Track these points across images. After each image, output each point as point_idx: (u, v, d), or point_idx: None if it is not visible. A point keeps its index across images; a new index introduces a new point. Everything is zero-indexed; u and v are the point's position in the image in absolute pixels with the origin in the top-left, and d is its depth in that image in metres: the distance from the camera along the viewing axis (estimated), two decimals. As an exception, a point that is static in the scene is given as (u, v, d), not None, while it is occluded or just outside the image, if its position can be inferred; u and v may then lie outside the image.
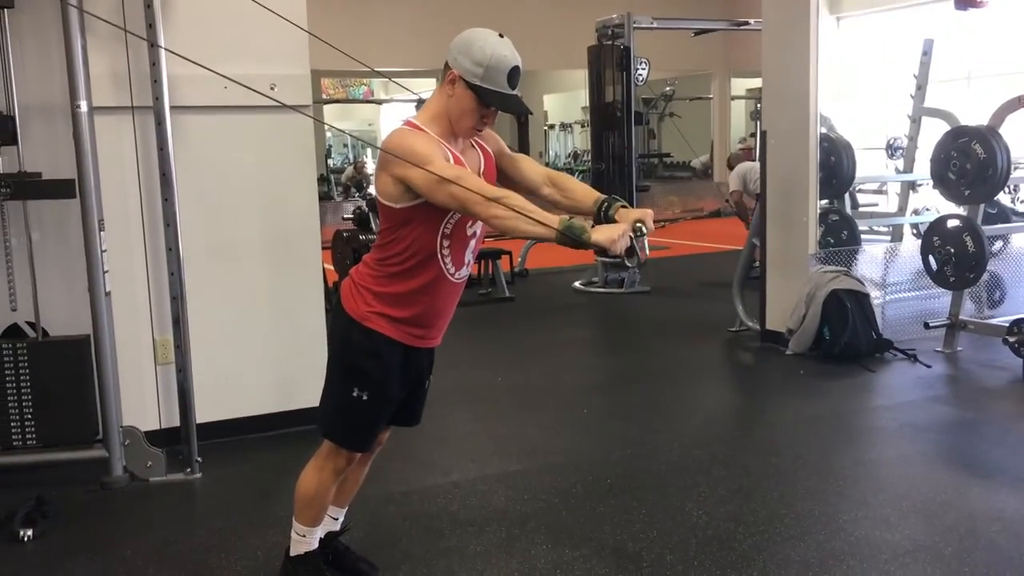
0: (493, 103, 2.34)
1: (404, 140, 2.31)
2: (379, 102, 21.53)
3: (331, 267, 8.04)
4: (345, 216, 8.91)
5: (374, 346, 2.44)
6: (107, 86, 3.80)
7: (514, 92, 2.36)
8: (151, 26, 3.74)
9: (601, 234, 2.17)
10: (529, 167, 2.62)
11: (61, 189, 3.64)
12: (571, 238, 2.16)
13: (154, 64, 3.76)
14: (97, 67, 3.68)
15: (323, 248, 4.69)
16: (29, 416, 3.67)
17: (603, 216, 2.48)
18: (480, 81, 2.31)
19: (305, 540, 2.65)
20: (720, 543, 3.08)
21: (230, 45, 4.04)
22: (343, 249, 8.04)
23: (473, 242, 2.49)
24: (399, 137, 2.33)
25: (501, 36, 2.35)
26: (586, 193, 2.58)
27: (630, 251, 2.24)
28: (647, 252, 2.41)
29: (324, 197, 15.60)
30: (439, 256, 2.41)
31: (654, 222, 2.45)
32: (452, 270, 2.45)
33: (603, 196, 2.56)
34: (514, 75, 2.34)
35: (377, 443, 2.72)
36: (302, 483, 2.61)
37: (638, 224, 2.38)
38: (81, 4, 3.56)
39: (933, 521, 3.23)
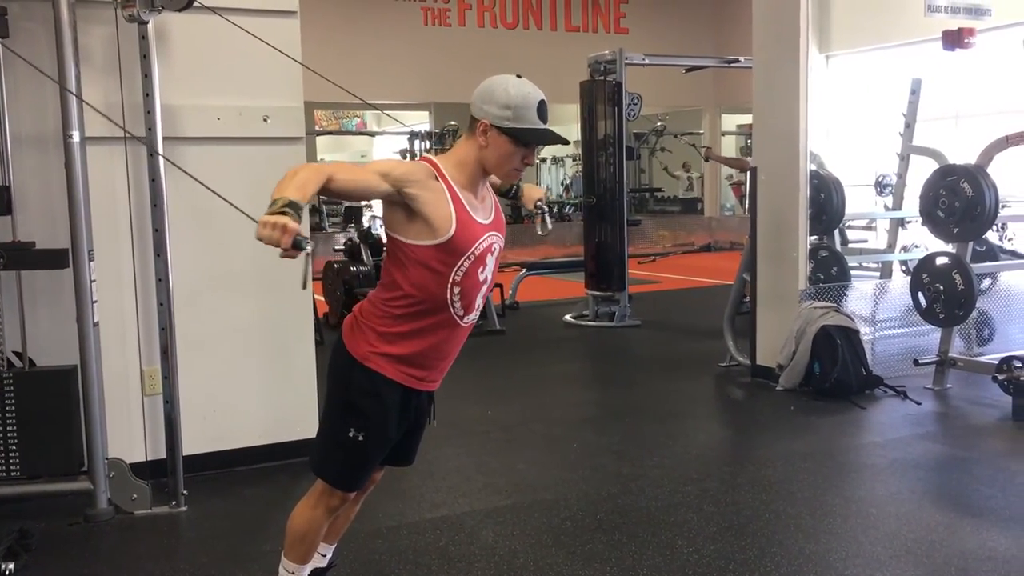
0: (531, 140, 2.36)
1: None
2: (372, 134, 21.61)
3: (322, 298, 8.03)
4: (336, 248, 8.92)
5: (374, 387, 2.41)
6: (100, 117, 3.79)
7: (545, 125, 2.38)
8: (147, 76, 3.77)
9: (264, 216, 1.96)
10: None
11: (54, 259, 3.65)
12: (269, 206, 1.99)
13: (147, 95, 3.77)
14: (90, 97, 3.69)
15: (314, 279, 4.68)
16: (13, 447, 3.63)
17: (511, 196, 2.87)
18: (512, 123, 2.32)
19: (292, 577, 2.61)
20: (710, 581, 3.06)
21: (224, 77, 4.07)
22: (334, 281, 8.03)
23: (485, 287, 2.47)
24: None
25: (519, 76, 2.37)
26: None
27: (294, 258, 2.01)
28: (549, 226, 2.93)
29: (316, 228, 15.61)
30: (449, 302, 2.38)
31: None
32: (462, 314, 2.42)
33: None
34: (542, 109, 2.36)
35: (371, 482, 2.70)
36: (293, 521, 2.57)
37: (538, 203, 2.89)
38: (80, 93, 3.58)
39: (924, 560, 3.21)
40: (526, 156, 2.39)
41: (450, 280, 2.35)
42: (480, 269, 2.41)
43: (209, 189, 2.75)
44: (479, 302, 2.48)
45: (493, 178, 2.70)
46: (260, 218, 1.96)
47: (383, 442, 2.49)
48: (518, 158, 2.38)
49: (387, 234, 2.39)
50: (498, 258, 2.49)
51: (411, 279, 2.35)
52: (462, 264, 2.35)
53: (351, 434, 2.42)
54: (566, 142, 2.63)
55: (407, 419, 2.52)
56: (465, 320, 2.44)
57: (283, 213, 1.96)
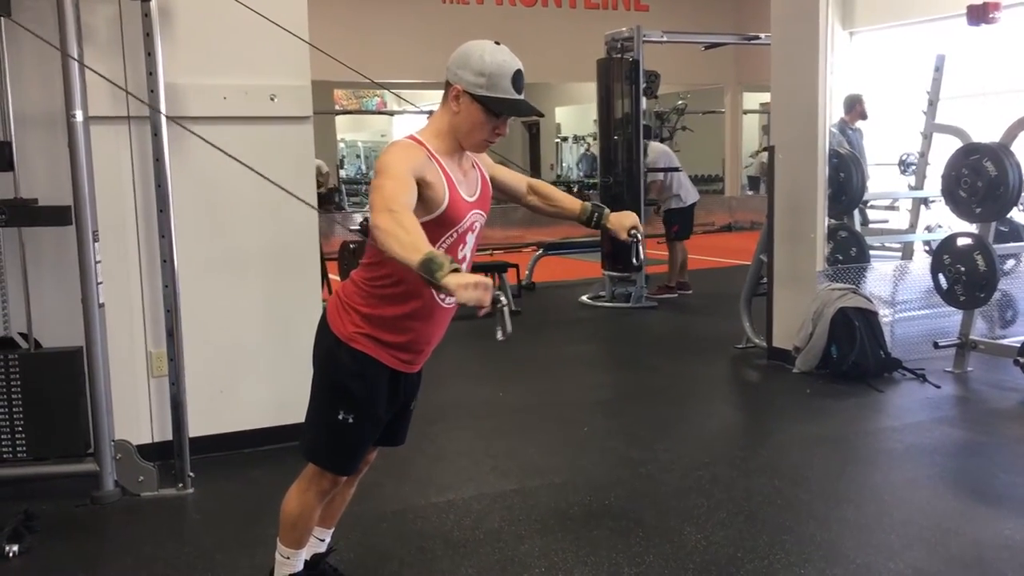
0: (503, 110, 2.27)
1: (389, 150, 2.25)
2: (391, 113, 21.55)
3: (336, 277, 8.01)
4: (352, 227, 8.89)
5: (360, 368, 2.37)
6: (104, 96, 3.76)
7: (521, 96, 2.30)
8: (150, 54, 3.72)
9: (453, 279, 1.87)
10: (512, 175, 2.64)
11: (57, 216, 3.60)
12: (425, 273, 1.90)
13: (151, 74, 3.73)
14: (94, 76, 3.65)
15: (330, 259, 4.63)
16: (20, 428, 3.63)
17: (594, 224, 2.62)
18: (485, 91, 2.24)
19: (289, 562, 2.58)
20: (718, 569, 3.00)
21: (230, 56, 4.02)
22: (349, 260, 8.00)
23: (464, 266, 2.42)
24: (389, 147, 2.28)
25: (498, 43, 2.29)
26: (571, 201, 2.62)
27: (493, 315, 1.94)
28: (643, 256, 2.50)
29: (335, 207, 15.60)
30: None
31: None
32: (442, 295, 2.38)
33: (591, 204, 2.62)
34: (518, 79, 2.28)
35: (364, 463, 2.66)
36: (286, 505, 2.54)
37: (633, 231, 2.58)
38: (82, 59, 3.54)
39: (938, 549, 3.14)
40: (498, 127, 2.30)
41: None
42: (460, 247, 2.37)
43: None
44: None
45: (513, 177, 2.60)
46: (454, 282, 1.86)
47: (374, 423, 2.45)
48: (489, 128, 2.30)
49: None
50: (479, 236, 2.43)
51: None
52: (445, 240, 2.31)
53: (340, 417, 2.37)
54: (541, 115, 2.52)
55: (397, 399, 2.48)
56: (447, 301, 2.38)
57: (457, 270, 1.89)
